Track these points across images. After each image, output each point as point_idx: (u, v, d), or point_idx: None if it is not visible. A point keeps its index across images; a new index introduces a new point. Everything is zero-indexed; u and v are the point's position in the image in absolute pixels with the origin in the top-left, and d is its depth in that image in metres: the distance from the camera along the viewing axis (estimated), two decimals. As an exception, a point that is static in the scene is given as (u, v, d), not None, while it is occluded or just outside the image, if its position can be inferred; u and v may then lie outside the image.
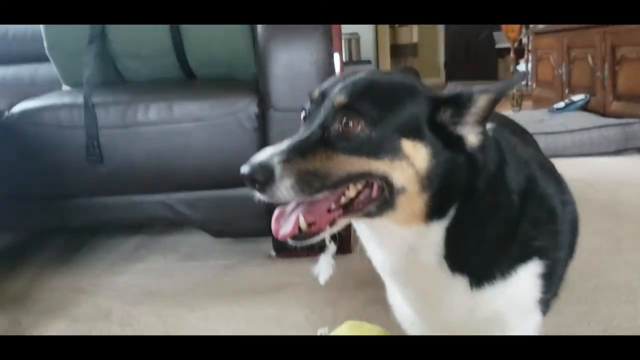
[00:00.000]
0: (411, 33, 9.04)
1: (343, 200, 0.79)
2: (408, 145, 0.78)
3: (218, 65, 1.95)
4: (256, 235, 1.94)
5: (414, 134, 0.78)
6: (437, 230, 0.83)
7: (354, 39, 7.13)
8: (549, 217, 0.91)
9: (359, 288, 1.62)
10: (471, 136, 0.80)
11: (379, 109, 0.78)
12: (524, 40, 6.01)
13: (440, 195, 0.81)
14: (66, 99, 1.77)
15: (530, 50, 5.48)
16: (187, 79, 1.99)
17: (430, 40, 11.09)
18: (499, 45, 9.39)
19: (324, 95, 0.82)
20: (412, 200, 0.80)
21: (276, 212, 0.81)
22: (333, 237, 0.89)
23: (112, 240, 2.18)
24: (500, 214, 0.85)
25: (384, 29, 8.26)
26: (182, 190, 1.80)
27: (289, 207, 0.81)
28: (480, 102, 0.79)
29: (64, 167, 1.74)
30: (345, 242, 1.87)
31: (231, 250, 2.01)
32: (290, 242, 0.81)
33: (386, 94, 0.80)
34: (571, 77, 4.39)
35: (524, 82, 5.74)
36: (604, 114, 3.74)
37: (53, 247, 2.10)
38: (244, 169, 0.75)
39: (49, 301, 1.66)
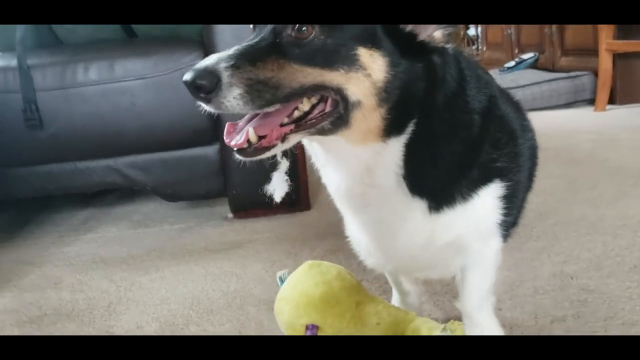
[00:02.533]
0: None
1: (296, 114, 0.74)
2: (365, 55, 0.72)
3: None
4: (211, 197, 1.89)
5: (371, 40, 0.72)
6: (395, 148, 0.78)
7: None
8: (510, 138, 0.88)
9: (318, 240, 1.59)
10: (435, 32, 0.74)
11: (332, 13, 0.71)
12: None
13: (398, 109, 0.75)
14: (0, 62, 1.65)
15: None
16: (128, 38, 1.90)
17: None
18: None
19: None
20: (368, 115, 0.74)
21: (228, 125, 0.75)
22: (285, 154, 0.84)
23: (60, 214, 2.08)
24: (460, 133, 0.81)
25: None
26: (130, 154, 1.73)
27: (242, 121, 0.75)
28: None
29: (2, 134, 1.64)
30: (304, 199, 1.85)
31: (186, 214, 1.95)
32: (238, 156, 0.74)
33: None
34: (520, 36, 4.43)
35: (474, 46, 5.79)
36: (553, 69, 3.80)
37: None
38: (187, 76, 0.68)
39: (3, 275, 1.56)
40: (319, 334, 0.97)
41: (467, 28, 5.99)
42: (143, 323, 1.21)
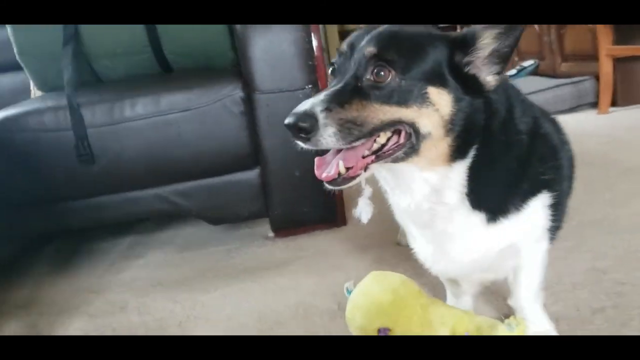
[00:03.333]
0: (356, 20, 9.14)
1: (375, 146, 0.86)
2: (434, 92, 0.84)
3: (195, 56, 1.98)
4: (253, 218, 1.99)
5: (439, 80, 0.85)
6: (460, 170, 0.90)
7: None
8: (553, 153, 1.00)
9: (361, 252, 1.70)
10: (488, 77, 0.87)
11: (406, 58, 0.84)
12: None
13: (462, 138, 0.88)
14: (49, 103, 1.76)
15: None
16: (165, 73, 2.02)
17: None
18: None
19: (352, 47, 0.88)
20: (437, 144, 0.86)
21: (317, 160, 0.87)
22: (367, 181, 0.96)
23: (105, 243, 2.19)
24: (513, 153, 0.93)
25: None
26: (176, 182, 1.83)
27: (329, 155, 0.86)
28: (486, 38, 0.85)
29: (54, 170, 1.75)
30: (340, 214, 1.95)
31: (228, 236, 2.05)
32: (329, 186, 0.86)
33: (410, 43, 0.86)
34: (519, 44, 4.56)
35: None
36: (554, 75, 3.93)
37: (48, 254, 2.09)
38: (288, 119, 0.79)
39: (60, 303, 1.66)
40: (391, 333, 1.08)
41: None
42: (218, 333, 1.31)
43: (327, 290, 1.46)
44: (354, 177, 0.85)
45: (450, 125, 0.86)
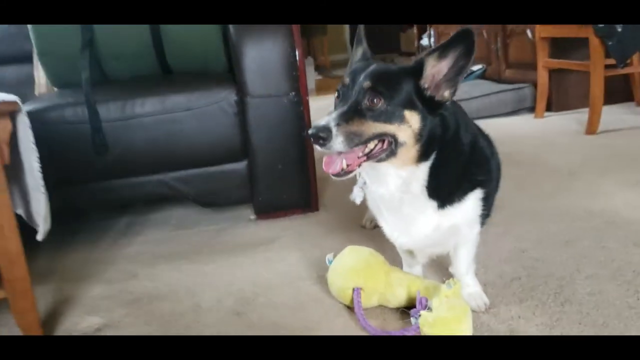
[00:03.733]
0: (318, 12, 9.42)
1: (366, 150, 1.19)
2: (408, 114, 1.17)
3: (193, 60, 2.28)
4: (239, 203, 2.31)
5: (411, 105, 1.18)
6: (423, 169, 1.24)
7: None
8: (485, 162, 1.36)
9: (334, 234, 2.05)
10: (445, 92, 1.18)
11: (389, 90, 1.16)
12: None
13: (426, 145, 1.21)
14: (68, 99, 2.03)
15: (432, 25, 6.06)
16: (165, 74, 2.30)
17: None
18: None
19: (353, 80, 1.20)
20: (409, 149, 1.20)
21: (325, 158, 1.20)
22: (359, 174, 1.34)
23: (104, 222, 2.46)
24: (458, 159, 1.28)
25: (293, 10, 8.62)
26: (176, 170, 2.14)
27: (334, 156, 1.19)
28: (430, 61, 1.17)
29: (73, 157, 2.02)
30: (314, 201, 2.30)
31: (216, 218, 2.37)
32: (335, 178, 1.19)
33: (393, 78, 1.19)
34: (469, 49, 5.00)
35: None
36: (499, 80, 4.39)
37: (53, 231, 2.35)
38: (312, 130, 1.12)
39: (76, 271, 1.95)
40: (362, 292, 1.44)
41: (421, 38, 6.56)
42: (222, 298, 1.64)
43: (308, 263, 1.81)
44: (351, 171, 1.18)
45: (419, 136, 1.19)
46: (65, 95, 2.10)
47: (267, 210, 2.26)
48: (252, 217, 2.31)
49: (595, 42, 3.09)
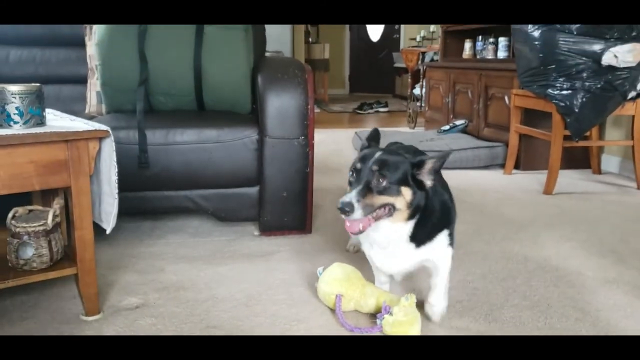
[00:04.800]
0: (323, 49, 10.05)
1: (374, 214, 1.58)
2: (404, 189, 1.58)
3: (224, 102, 2.79)
4: (247, 220, 2.80)
5: (406, 183, 1.59)
6: (409, 225, 1.66)
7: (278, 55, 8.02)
8: (448, 211, 1.79)
9: (323, 252, 2.54)
10: (428, 181, 1.62)
11: (392, 173, 1.56)
12: (421, 69, 7.22)
13: (414, 210, 1.63)
14: (123, 123, 2.52)
15: (425, 78, 6.67)
16: (201, 111, 2.82)
17: (338, 56, 12.20)
18: (397, 65, 10.65)
19: (364, 164, 1.59)
20: (402, 213, 1.62)
21: (347, 221, 1.59)
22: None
23: (129, 224, 2.93)
24: (432, 216, 1.70)
25: (300, 45, 9.23)
26: (201, 188, 2.62)
27: (353, 220, 1.57)
28: (428, 164, 1.60)
29: (120, 170, 2.49)
30: (308, 225, 2.80)
31: (225, 231, 2.86)
32: (354, 236, 1.77)
33: (395, 164, 1.58)
34: (455, 105, 5.59)
35: (418, 103, 6.95)
36: (478, 136, 4.95)
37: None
38: (340, 205, 1.52)
39: (110, 262, 2.40)
40: (342, 298, 1.93)
41: (414, 87, 7.16)
42: (233, 293, 2.12)
43: (302, 273, 2.30)
44: (365, 230, 1.59)
45: (410, 205, 1.60)
46: (119, 119, 2.59)
47: (270, 228, 2.75)
48: (257, 233, 2.80)
49: (557, 117, 3.65)
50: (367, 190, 1.56)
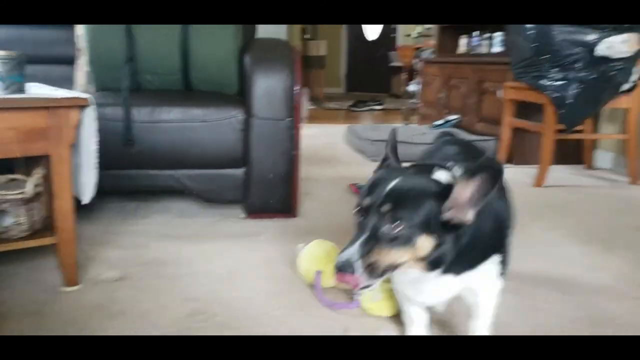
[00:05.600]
0: (319, 46, 10.05)
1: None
2: (422, 239, 1.13)
3: (211, 82, 2.78)
4: (233, 202, 2.79)
5: (428, 229, 1.12)
6: (432, 275, 1.21)
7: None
8: (504, 232, 1.35)
9: (307, 234, 2.53)
10: (466, 216, 1.13)
11: (410, 213, 1.11)
12: (416, 65, 7.22)
13: (432, 263, 1.17)
14: (109, 100, 2.51)
15: (420, 74, 6.67)
16: (187, 91, 2.80)
17: (335, 54, 12.21)
18: (393, 64, 10.67)
19: (373, 202, 1.15)
20: (411, 265, 1.18)
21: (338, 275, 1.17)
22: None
23: (114, 204, 2.91)
24: (479, 246, 1.24)
25: (296, 41, 9.22)
26: (187, 168, 2.61)
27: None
28: (459, 185, 1.12)
29: (105, 147, 2.47)
30: (294, 210, 2.79)
31: (211, 212, 2.84)
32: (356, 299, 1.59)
33: (414, 200, 1.13)
34: (449, 100, 5.59)
35: (412, 99, 6.95)
36: (470, 131, 4.95)
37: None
38: (338, 263, 1.13)
39: (93, 239, 2.39)
40: (322, 275, 1.92)
41: (409, 84, 7.16)
42: (215, 268, 2.11)
43: (284, 253, 2.29)
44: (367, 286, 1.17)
45: (423, 258, 1.16)
46: (106, 96, 2.58)
47: (255, 211, 2.74)
48: (242, 215, 2.79)
49: (549, 109, 3.65)
50: (373, 242, 1.14)
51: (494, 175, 1.09)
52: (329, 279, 1.94)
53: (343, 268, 1.13)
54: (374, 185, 1.19)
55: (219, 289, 1.94)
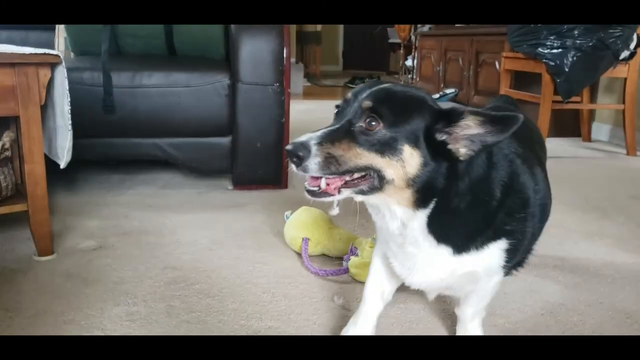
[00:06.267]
0: (315, 22, 9.87)
1: (347, 177, 1.00)
2: (407, 150, 0.96)
3: (196, 46, 2.67)
4: (220, 173, 2.69)
5: (414, 142, 0.96)
6: (421, 216, 1.03)
7: None
8: (522, 205, 1.11)
9: (297, 205, 2.43)
10: (462, 149, 0.96)
11: (394, 115, 0.96)
12: (413, 39, 7.08)
13: (420, 193, 1.00)
14: (87, 64, 2.40)
15: (417, 48, 6.54)
16: (171, 55, 2.69)
17: (332, 31, 12.03)
18: (391, 41, 10.50)
19: (355, 97, 1.02)
20: (398, 189, 0.99)
21: (310, 177, 1.03)
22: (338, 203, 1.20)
23: (99, 176, 2.82)
24: (479, 209, 1.04)
25: (292, 17, 9.05)
26: (171, 136, 2.51)
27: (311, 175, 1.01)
28: (469, 120, 0.95)
29: (84, 114, 2.37)
30: (284, 180, 2.69)
31: (197, 184, 2.75)
32: (309, 195, 1.02)
33: (401, 103, 0.99)
34: (446, 74, 5.47)
35: (409, 75, 6.82)
36: (467, 104, 4.84)
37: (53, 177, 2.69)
38: (289, 146, 0.95)
39: (76, 210, 2.30)
40: (310, 242, 1.83)
41: (406, 59, 7.03)
42: (198, 238, 2.02)
43: (271, 222, 2.20)
44: (328, 194, 1.00)
45: (411, 182, 0.98)
46: (84, 61, 2.47)
47: (243, 182, 2.64)
48: (230, 187, 2.69)
49: (546, 78, 3.54)
50: (344, 135, 0.98)
51: (508, 120, 0.93)
52: (317, 247, 1.85)
53: (294, 149, 0.95)
54: (360, 88, 1.05)
55: (201, 258, 1.85)
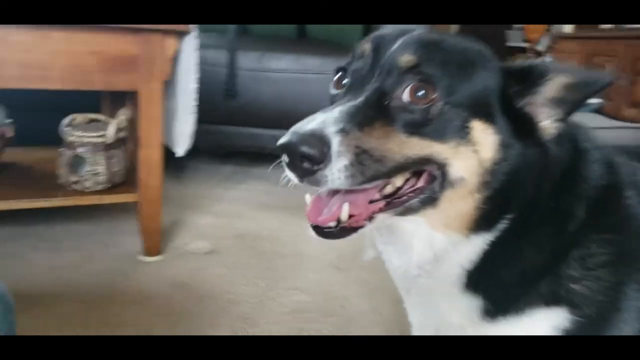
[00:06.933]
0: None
1: (388, 189, 0.64)
2: (478, 128, 0.62)
3: (330, 30, 2.35)
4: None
5: (486, 113, 0.63)
6: (475, 244, 0.66)
7: None
8: (618, 257, 0.66)
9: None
10: (545, 121, 0.64)
11: (451, 75, 0.62)
12: (544, 42, 6.43)
13: (497, 199, 0.64)
14: (211, 42, 2.15)
15: (550, 52, 5.89)
16: (300, 38, 2.39)
17: (441, 30, 11.46)
18: (511, 44, 9.75)
19: (377, 51, 0.66)
20: (463, 197, 0.64)
21: (314, 196, 0.69)
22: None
23: (208, 167, 2.58)
24: (551, 226, 0.66)
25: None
26: (294, 129, 2.21)
27: (325, 193, 0.67)
28: (556, 81, 0.62)
29: (202, 98, 2.12)
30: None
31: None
32: (316, 235, 0.66)
33: (459, 58, 0.64)
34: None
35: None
36: (616, 118, 4.21)
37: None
38: (291, 139, 0.59)
39: (187, 203, 2.06)
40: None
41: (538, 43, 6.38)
42: (325, 251, 1.70)
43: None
44: (356, 229, 0.63)
45: (489, 176, 0.63)
46: (209, 38, 2.22)
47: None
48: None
49: None
50: (375, 115, 0.61)
51: (598, 79, 0.61)
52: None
53: (302, 147, 0.57)
54: (383, 36, 0.68)
55: (330, 280, 1.53)
